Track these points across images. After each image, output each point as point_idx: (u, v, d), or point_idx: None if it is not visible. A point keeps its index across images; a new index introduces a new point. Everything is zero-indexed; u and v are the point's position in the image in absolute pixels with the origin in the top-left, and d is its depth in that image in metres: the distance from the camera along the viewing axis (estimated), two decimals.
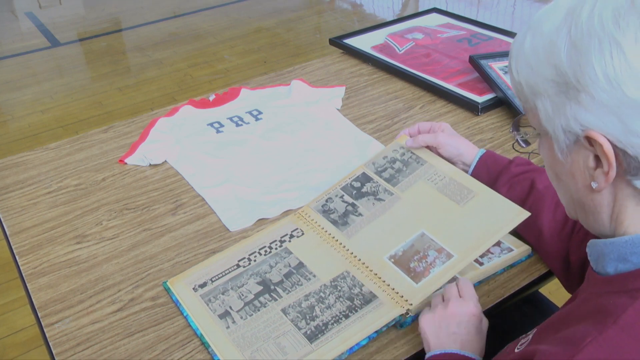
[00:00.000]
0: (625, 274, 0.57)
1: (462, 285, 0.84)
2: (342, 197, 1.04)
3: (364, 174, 1.06)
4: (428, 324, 0.80)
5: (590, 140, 0.54)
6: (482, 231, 0.89)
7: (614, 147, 0.53)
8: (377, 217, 0.98)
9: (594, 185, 0.57)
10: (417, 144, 1.05)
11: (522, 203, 0.93)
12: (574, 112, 0.54)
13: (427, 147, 1.06)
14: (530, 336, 0.65)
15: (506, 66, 1.46)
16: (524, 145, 0.72)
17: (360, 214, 1.00)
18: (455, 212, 0.94)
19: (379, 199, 1.01)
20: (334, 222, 1.00)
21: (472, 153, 1.03)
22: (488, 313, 0.88)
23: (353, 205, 1.02)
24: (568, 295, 0.90)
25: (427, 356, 0.79)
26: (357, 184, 1.05)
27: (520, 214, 0.89)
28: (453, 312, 0.79)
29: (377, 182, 1.04)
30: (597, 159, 0.55)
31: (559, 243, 0.89)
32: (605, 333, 0.52)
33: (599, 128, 0.53)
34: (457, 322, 0.78)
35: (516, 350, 0.63)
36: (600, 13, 0.52)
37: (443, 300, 0.83)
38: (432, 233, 0.92)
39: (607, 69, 0.51)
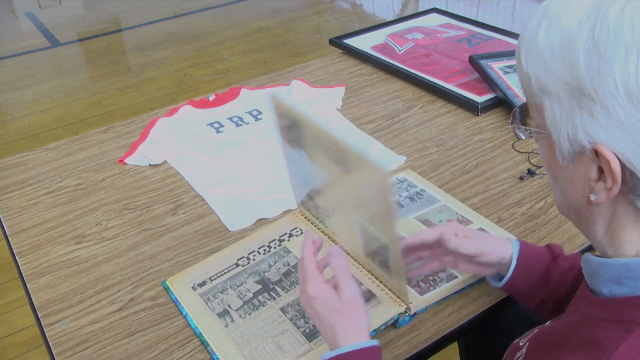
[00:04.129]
0: (620, 300, 0.54)
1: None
2: None
3: None
4: (309, 310, 0.72)
5: (596, 153, 0.49)
6: None
7: (622, 165, 0.48)
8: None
9: (592, 198, 0.52)
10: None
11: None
12: (585, 123, 0.49)
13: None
14: (524, 350, 0.63)
15: (507, 66, 1.46)
16: (523, 137, 0.64)
17: None
18: None
19: None
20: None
21: (506, 252, 0.81)
22: (488, 313, 0.88)
23: None
24: None
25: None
26: None
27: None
28: (320, 301, 0.71)
29: None
30: (601, 170, 0.51)
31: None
32: None
33: (609, 144, 0.48)
34: (328, 317, 0.70)
35: None
36: (632, 16, 0.45)
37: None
38: None
39: (630, 83, 0.45)
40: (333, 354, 0.68)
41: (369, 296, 0.86)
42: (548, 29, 0.51)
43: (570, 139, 0.51)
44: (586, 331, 0.55)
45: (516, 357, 0.64)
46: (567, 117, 0.50)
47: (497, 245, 0.81)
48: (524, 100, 0.59)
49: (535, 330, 0.68)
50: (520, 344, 0.67)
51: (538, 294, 0.80)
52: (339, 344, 0.68)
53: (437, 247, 0.84)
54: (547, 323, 0.68)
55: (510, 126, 0.63)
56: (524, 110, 0.60)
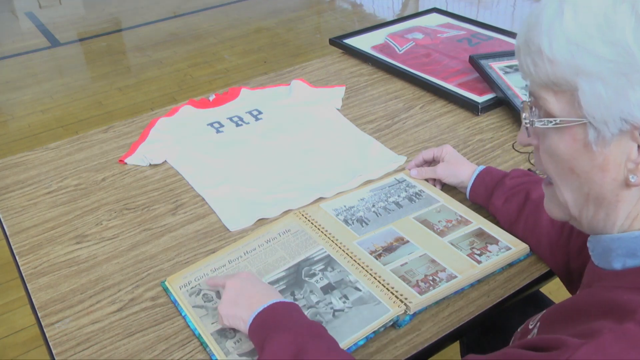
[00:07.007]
0: (636, 269, 0.55)
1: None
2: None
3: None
4: (225, 309, 0.80)
5: None
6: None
7: None
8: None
9: (632, 179, 0.52)
10: (421, 176, 1.12)
11: (519, 215, 0.94)
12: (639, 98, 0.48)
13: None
14: (536, 330, 0.63)
15: (507, 66, 1.46)
16: (530, 134, 0.62)
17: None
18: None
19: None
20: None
21: (469, 176, 1.04)
22: (488, 313, 0.88)
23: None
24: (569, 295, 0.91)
25: (247, 328, 0.78)
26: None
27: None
28: (229, 290, 0.82)
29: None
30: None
31: (560, 249, 0.89)
32: (624, 326, 0.49)
33: None
34: (243, 293, 0.81)
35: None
36: None
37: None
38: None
39: None
40: (260, 308, 0.76)
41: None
42: (575, 14, 0.51)
43: (620, 117, 0.50)
44: (604, 299, 0.55)
45: (528, 337, 0.64)
46: (618, 94, 0.50)
47: (466, 172, 1.05)
48: (530, 95, 0.58)
49: (544, 311, 0.67)
50: (530, 326, 0.66)
51: (496, 205, 0.98)
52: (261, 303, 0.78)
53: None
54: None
55: (526, 121, 0.59)
56: (538, 104, 0.58)
